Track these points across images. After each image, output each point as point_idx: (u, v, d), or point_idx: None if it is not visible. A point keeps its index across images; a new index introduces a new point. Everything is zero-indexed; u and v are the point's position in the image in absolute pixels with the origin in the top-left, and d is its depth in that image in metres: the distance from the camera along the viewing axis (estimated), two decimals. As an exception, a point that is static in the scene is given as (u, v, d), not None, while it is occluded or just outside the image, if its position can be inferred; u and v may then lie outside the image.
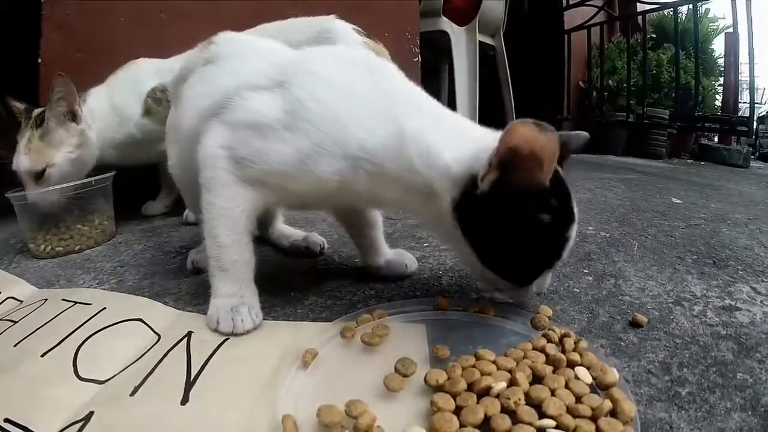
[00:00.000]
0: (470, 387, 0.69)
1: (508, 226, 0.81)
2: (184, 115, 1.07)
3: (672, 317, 0.98)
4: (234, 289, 0.95)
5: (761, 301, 1.07)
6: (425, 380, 0.71)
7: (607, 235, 1.54)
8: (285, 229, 1.46)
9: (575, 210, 0.86)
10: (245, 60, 1.04)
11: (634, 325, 0.94)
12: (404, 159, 0.85)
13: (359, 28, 1.63)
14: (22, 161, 1.58)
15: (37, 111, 1.63)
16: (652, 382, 0.77)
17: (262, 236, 1.03)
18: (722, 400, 0.73)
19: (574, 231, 0.86)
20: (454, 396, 0.67)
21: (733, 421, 0.68)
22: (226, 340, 0.89)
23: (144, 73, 1.82)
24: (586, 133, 0.96)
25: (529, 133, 0.72)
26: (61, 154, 1.62)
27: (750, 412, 0.70)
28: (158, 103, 1.78)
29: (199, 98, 1.02)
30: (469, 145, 0.83)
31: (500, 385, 0.67)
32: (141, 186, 2.05)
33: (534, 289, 0.92)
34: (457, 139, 0.85)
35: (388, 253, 1.20)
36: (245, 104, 0.91)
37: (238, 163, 0.90)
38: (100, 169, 1.73)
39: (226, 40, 1.13)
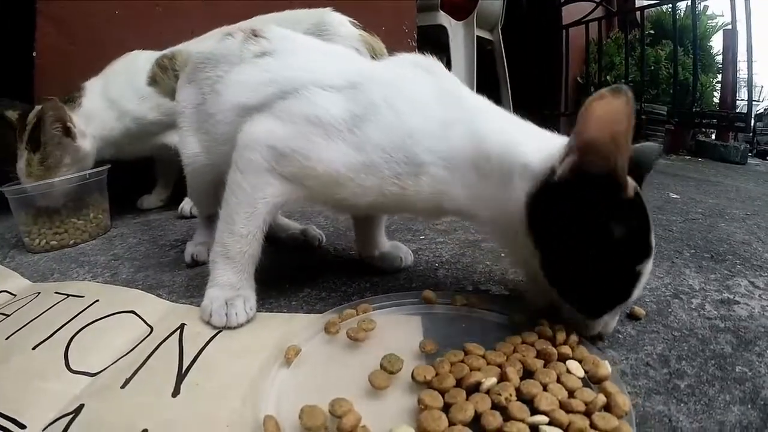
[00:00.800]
0: (459, 383, 0.67)
1: (580, 227, 0.74)
2: (228, 102, 1.03)
3: (670, 310, 0.98)
4: (234, 279, 0.94)
5: (759, 295, 1.06)
6: (412, 376, 0.69)
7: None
8: (282, 221, 1.45)
9: (653, 243, 0.78)
10: (309, 56, 1.03)
11: (632, 317, 0.94)
12: (481, 158, 0.83)
13: (355, 21, 1.62)
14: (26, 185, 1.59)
15: (31, 115, 1.62)
16: (651, 375, 0.76)
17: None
18: (721, 393, 0.72)
19: (648, 268, 0.78)
20: (443, 393, 0.65)
21: (733, 414, 0.67)
22: (219, 332, 0.89)
23: (140, 65, 1.81)
24: (657, 145, 0.90)
25: (604, 113, 0.68)
26: (60, 174, 1.63)
27: (749, 406, 0.69)
28: (164, 71, 1.75)
29: (260, 86, 0.98)
30: (548, 144, 0.80)
31: (490, 381, 0.66)
32: (136, 180, 2.04)
33: (598, 328, 0.82)
34: (534, 138, 0.84)
35: (384, 246, 1.20)
36: (312, 98, 0.89)
37: (283, 155, 0.88)
38: (96, 162, 1.73)
39: (281, 35, 1.11)
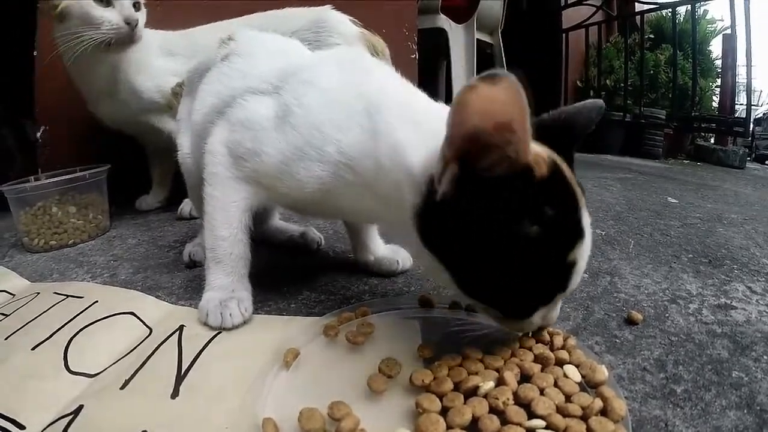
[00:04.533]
0: (457, 387, 0.67)
1: (485, 238, 0.63)
2: (196, 108, 1.09)
3: (667, 315, 0.98)
4: (226, 281, 0.96)
5: (757, 300, 1.07)
6: (411, 380, 0.69)
7: (603, 233, 1.54)
8: (281, 225, 1.46)
9: (585, 222, 0.68)
10: (256, 60, 1.05)
11: (630, 322, 0.94)
12: (376, 160, 0.77)
13: (355, 20, 1.62)
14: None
15: None
16: (647, 380, 0.76)
17: (258, 232, 1.02)
18: (718, 398, 0.72)
19: (583, 252, 0.67)
20: (441, 396, 0.65)
21: (729, 419, 0.68)
22: (217, 334, 0.89)
23: (146, 41, 1.79)
24: (598, 101, 0.77)
25: (478, 101, 0.56)
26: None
27: (746, 411, 0.70)
28: (176, 97, 1.75)
29: (210, 95, 1.04)
30: (435, 141, 0.65)
31: (488, 385, 0.65)
32: (136, 180, 2.04)
33: (537, 321, 0.72)
34: (427, 135, 0.70)
35: (380, 250, 1.20)
36: (245, 105, 0.94)
37: (236, 161, 0.92)
38: (91, 160, 1.73)
39: (244, 37, 1.14)
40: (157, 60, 1.79)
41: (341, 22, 1.59)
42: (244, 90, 0.96)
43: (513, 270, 0.64)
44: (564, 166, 0.67)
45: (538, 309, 0.70)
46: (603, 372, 0.69)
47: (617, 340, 0.88)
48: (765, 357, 0.84)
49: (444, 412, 0.62)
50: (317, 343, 0.84)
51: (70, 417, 0.68)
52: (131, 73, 1.74)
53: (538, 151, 0.64)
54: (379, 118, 0.79)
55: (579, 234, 0.66)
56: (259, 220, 0.97)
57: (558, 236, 0.64)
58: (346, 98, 0.84)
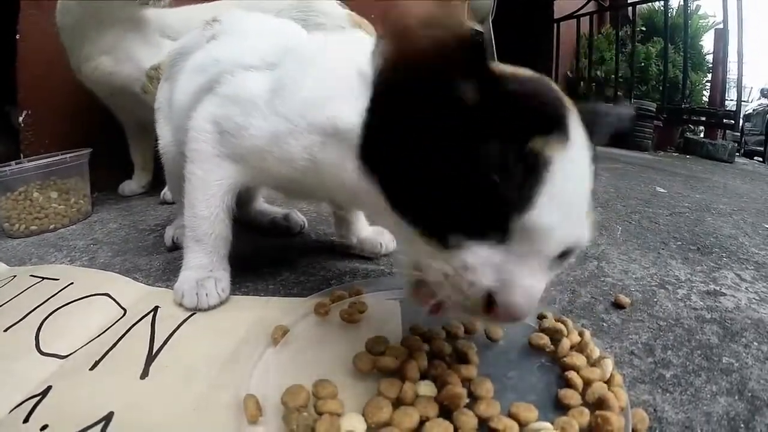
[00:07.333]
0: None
1: (417, 115, 0.54)
2: (181, 90, 1.05)
3: (656, 300, 0.97)
4: (205, 261, 0.94)
5: (746, 288, 1.06)
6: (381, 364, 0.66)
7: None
8: (264, 207, 1.44)
9: (572, 125, 0.52)
10: (246, 38, 1.01)
11: (617, 306, 0.93)
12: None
13: (342, 2, 1.60)
14: None
15: None
16: (635, 364, 0.75)
17: (240, 215, 1.01)
18: (708, 383, 0.71)
19: (563, 154, 0.50)
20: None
21: (720, 405, 0.67)
22: (192, 314, 0.87)
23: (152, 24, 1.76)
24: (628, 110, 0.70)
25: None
26: None
27: (736, 397, 0.68)
28: (152, 81, 1.71)
29: (197, 74, 1.00)
30: None
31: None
32: (120, 165, 2.02)
33: (513, 299, 0.50)
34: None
35: (363, 231, 1.18)
36: (235, 80, 0.90)
37: (222, 137, 0.89)
38: (75, 144, 1.70)
39: (232, 17, 1.11)
40: (156, 37, 1.77)
41: (327, 2, 1.57)
42: (234, 65, 0.92)
43: (444, 148, 0.52)
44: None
45: (466, 235, 0.51)
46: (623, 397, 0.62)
47: (604, 324, 0.87)
48: (755, 343, 0.83)
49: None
50: (306, 321, 0.83)
51: (38, 398, 0.67)
52: (136, 43, 1.73)
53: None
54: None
55: (554, 124, 0.51)
56: (241, 202, 0.94)
57: (512, 110, 0.51)
58: (343, 74, 0.76)
